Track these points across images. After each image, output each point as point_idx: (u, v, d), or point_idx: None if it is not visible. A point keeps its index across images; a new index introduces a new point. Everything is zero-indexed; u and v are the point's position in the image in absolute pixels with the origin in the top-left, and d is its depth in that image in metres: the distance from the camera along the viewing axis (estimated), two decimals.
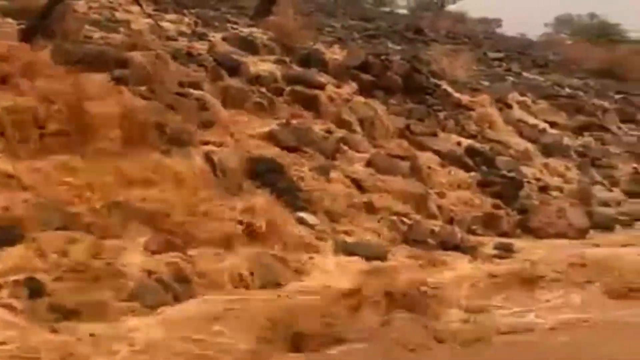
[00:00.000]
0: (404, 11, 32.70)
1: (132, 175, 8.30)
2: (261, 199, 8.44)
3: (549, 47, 32.01)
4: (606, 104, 21.62)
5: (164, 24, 13.89)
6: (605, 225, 12.42)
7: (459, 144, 13.58)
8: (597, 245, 10.64)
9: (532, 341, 6.48)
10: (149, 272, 6.88)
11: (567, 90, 21.50)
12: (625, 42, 36.59)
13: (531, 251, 9.95)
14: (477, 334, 6.48)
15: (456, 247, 9.57)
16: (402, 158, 11.87)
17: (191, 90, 10.87)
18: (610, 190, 14.94)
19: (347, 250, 8.46)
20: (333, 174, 10.37)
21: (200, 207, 8.06)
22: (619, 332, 6.81)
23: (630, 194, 14.96)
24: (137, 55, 10.71)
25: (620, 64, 28.55)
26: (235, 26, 15.96)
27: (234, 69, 12.28)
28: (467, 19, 33.81)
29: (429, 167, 12.10)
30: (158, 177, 8.42)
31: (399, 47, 20.13)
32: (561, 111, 18.79)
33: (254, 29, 15.43)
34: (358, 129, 12.53)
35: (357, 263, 8.15)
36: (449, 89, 16.09)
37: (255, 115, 11.40)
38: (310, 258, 8.05)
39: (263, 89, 12.14)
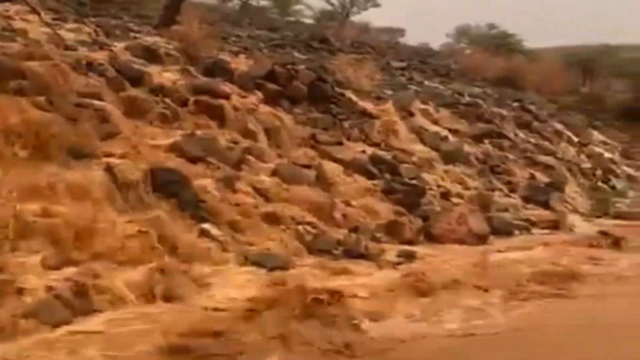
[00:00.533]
0: (309, 21, 32.76)
1: (31, 189, 8.04)
2: (163, 211, 8.30)
3: (450, 56, 32.66)
4: (504, 111, 22.21)
5: (64, 33, 13.46)
6: (504, 231, 12.73)
7: (363, 152, 13.68)
8: (497, 251, 10.92)
9: (433, 347, 6.55)
10: (48, 289, 6.66)
11: (468, 98, 21.96)
12: (521, 51, 37.67)
13: (433, 258, 10.10)
14: (381, 344, 6.50)
15: (361, 256, 9.61)
16: (308, 167, 11.90)
17: (92, 101, 10.54)
18: (509, 196, 15.32)
19: (252, 261, 8.40)
20: (238, 185, 10.28)
21: (101, 221, 7.86)
22: (519, 337, 6.94)
23: (528, 200, 15.40)
24: (35, 66, 10.36)
25: (516, 72, 29.45)
26: (138, 35, 15.65)
27: (137, 79, 12.03)
28: (371, 29, 34.17)
29: (334, 176, 12.13)
30: (57, 191, 8.18)
31: (304, 57, 20.16)
32: (462, 119, 19.16)
33: (157, 38, 15.17)
34: (264, 138, 12.48)
35: (261, 274, 8.10)
36: (354, 98, 16.22)
37: (159, 126, 11.20)
38: (214, 270, 7.95)
39: (167, 100, 11.92)
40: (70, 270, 7.00)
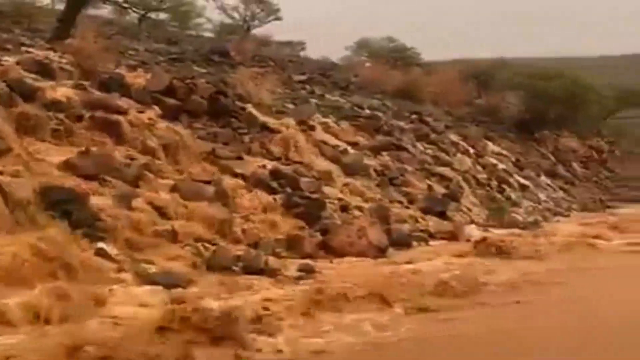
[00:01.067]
0: (210, 34, 32.56)
1: None
2: (55, 230, 8.07)
3: (350, 69, 33.04)
4: (403, 124, 22.60)
5: None
6: (403, 243, 12.94)
7: (264, 166, 13.67)
8: (396, 263, 11.09)
9: None
10: None
11: (367, 111, 22.22)
12: (419, 64, 38.46)
13: (333, 271, 10.18)
14: None
15: (261, 271, 9.58)
16: (208, 183, 11.81)
17: None
18: (408, 208, 15.59)
19: (149, 279, 8.25)
20: (135, 202, 10.10)
21: None
22: (421, 349, 7.06)
23: (426, 211, 15.71)
24: None
25: (415, 85, 30.02)
26: (30, 49, 15.23)
27: (29, 95, 11.68)
28: (272, 42, 34.23)
29: (234, 191, 12.08)
30: None
31: (204, 71, 20.03)
32: (361, 131, 19.41)
33: (51, 53, 14.81)
34: (162, 154, 12.32)
35: (159, 292, 7.97)
36: (255, 112, 16.19)
37: (53, 143, 10.94)
38: (111, 290, 7.78)
39: (61, 115, 11.65)
40: None
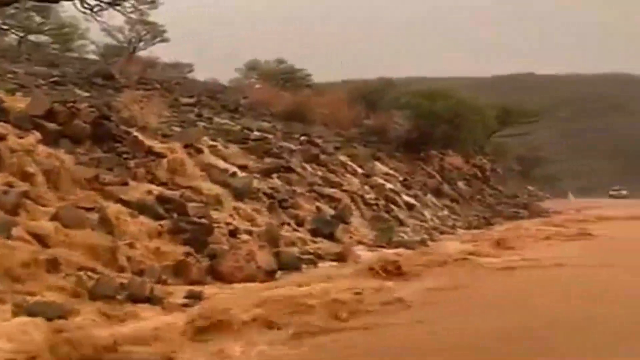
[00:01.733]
0: (94, 57, 31.92)
1: None
2: None
3: (239, 91, 33.06)
4: (292, 145, 22.81)
5: None
6: (292, 266, 12.99)
7: (150, 192, 13.46)
8: (284, 286, 11.11)
9: None
10: None
11: (257, 133, 22.33)
12: (308, 85, 38.90)
13: (221, 297, 10.11)
14: None
15: (146, 299, 9.42)
16: (91, 210, 11.55)
17: None
18: (297, 230, 15.70)
19: (28, 311, 7.99)
20: (14, 232, 9.78)
21: None
22: None
23: (315, 233, 15.85)
24: None
25: (304, 106, 30.33)
26: None
27: None
28: (159, 64, 33.89)
29: (119, 218, 11.86)
30: None
31: (87, 94, 19.65)
32: (251, 154, 19.46)
33: None
34: (43, 181, 11.93)
35: (40, 324, 7.74)
36: (140, 136, 15.98)
37: None
38: None
39: None
40: None
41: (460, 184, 35.02)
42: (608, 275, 13.33)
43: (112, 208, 11.97)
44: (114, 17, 20.97)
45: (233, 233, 13.54)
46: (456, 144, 36.76)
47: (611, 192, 68.41)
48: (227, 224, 13.93)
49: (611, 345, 7.84)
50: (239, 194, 15.92)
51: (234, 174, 16.99)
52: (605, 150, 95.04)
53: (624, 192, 68.41)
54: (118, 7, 19.12)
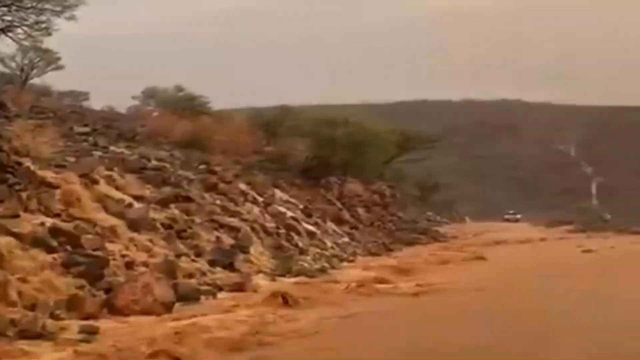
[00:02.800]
0: None
1: None
2: None
3: (136, 119, 32.67)
4: (191, 174, 22.67)
5: None
6: (191, 297, 12.93)
7: (42, 224, 13.13)
8: (181, 319, 11.05)
9: None
10: None
11: (154, 162, 22.07)
12: (208, 113, 38.71)
13: (117, 331, 9.99)
14: None
15: (39, 335, 9.24)
16: None
17: None
18: (195, 261, 15.61)
19: None
20: None
21: None
22: None
23: (214, 263, 15.82)
24: None
25: (203, 134, 30.18)
26: None
27: None
28: (53, 92, 33.16)
29: (10, 251, 11.53)
30: None
31: None
32: (148, 184, 19.21)
33: None
34: None
35: None
36: (33, 167, 15.55)
37: None
38: None
39: None
40: None
41: (360, 210, 35.51)
42: (490, 300, 13.82)
43: (2, 241, 11.64)
44: (6, 45, 20.36)
45: (129, 265, 13.36)
46: (356, 170, 37.30)
47: (506, 216, 70.57)
48: (123, 256, 13.72)
49: None
50: (135, 225, 15.68)
51: (130, 205, 16.73)
52: (499, 175, 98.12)
53: (518, 216, 70.75)
54: (9, 34, 18.59)
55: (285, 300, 12.82)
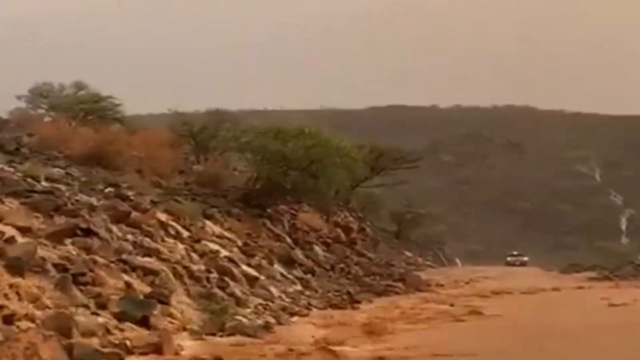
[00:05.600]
0: None
1: None
2: None
3: (23, 126, 32.42)
4: (94, 200, 22.52)
5: None
6: None
7: None
8: None
9: None
10: None
11: (45, 183, 21.92)
12: (119, 119, 38.62)
13: None
14: None
15: None
16: None
17: None
18: (97, 314, 15.43)
19: None
20: None
21: None
22: None
23: (122, 317, 15.65)
24: None
25: (112, 147, 30.03)
26: None
27: None
28: None
29: None
30: None
31: None
32: (36, 212, 19.02)
33: None
34: None
35: None
36: None
37: None
38: None
39: None
40: None
41: (318, 249, 35.51)
42: None
43: None
44: None
45: (9, 319, 13.18)
46: (313, 196, 37.31)
47: (509, 259, 71.17)
48: (1, 307, 13.55)
49: None
50: (18, 266, 15.47)
51: (11, 239, 16.54)
52: (499, 205, 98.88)
53: (525, 259, 71.38)
54: None
55: None
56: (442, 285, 39.20)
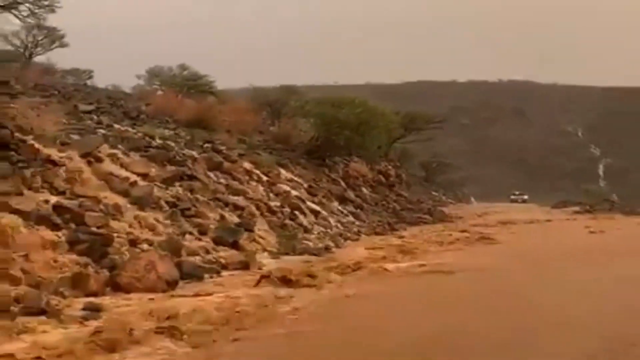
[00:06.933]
0: None
1: None
2: None
3: (141, 98, 32.55)
4: (195, 153, 22.59)
5: None
6: (195, 275, 12.92)
7: (46, 202, 13.10)
8: (185, 296, 11.04)
9: None
10: None
11: (158, 141, 21.96)
12: (212, 92, 38.64)
13: (120, 309, 9.97)
14: None
15: (42, 312, 9.21)
16: None
17: None
18: (199, 239, 15.57)
19: None
20: None
21: None
22: None
23: (218, 241, 15.78)
24: None
25: (208, 114, 30.08)
26: None
27: None
28: (56, 70, 33.01)
29: (13, 229, 11.50)
30: None
31: None
32: (152, 162, 19.12)
33: None
34: None
35: None
36: (37, 145, 15.47)
37: None
38: None
39: None
40: None
41: (365, 190, 35.42)
42: (488, 282, 13.73)
43: (6, 219, 11.61)
44: (10, 21, 20.26)
45: (133, 243, 13.34)
46: (361, 150, 37.16)
47: (512, 197, 70.38)
48: (127, 233, 13.70)
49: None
50: (140, 203, 15.64)
51: (134, 183, 16.67)
52: (506, 157, 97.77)
53: (525, 197, 70.54)
54: (13, 11, 18.52)
55: (287, 279, 12.77)
56: (460, 218, 38.92)
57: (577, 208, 48.18)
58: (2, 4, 18.55)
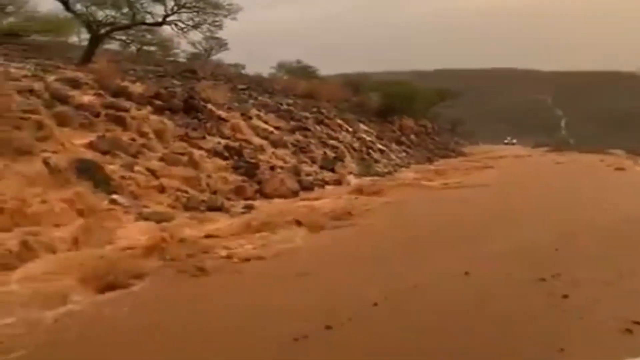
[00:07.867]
0: (183, 60, 31.23)
1: None
2: (82, 188, 7.68)
3: (273, 81, 32.37)
4: (307, 114, 22.39)
5: (12, 70, 12.05)
6: (309, 187, 12.92)
7: (219, 143, 13.25)
8: (304, 200, 11.05)
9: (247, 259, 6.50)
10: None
11: (285, 106, 21.88)
12: (316, 77, 38.13)
13: (265, 207, 10.06)
14: (230, 265, 6.41)
15: (218, 209, 9.41)
16: (183, 154, 11.42)
17: (32, 115, 9.53)
18: (311, 166, 15.52)
19: (146, 217, 7.98)
20: (136, 168, 9.71)
21: (39, 196, 7.16)
22: (314, 251, 7.03)
23: (322, 168, 15.70)
24: None
25: (314, 90, 29.71)
26: (65, 71, 14.23)
27: (64, 100, 10.99)
28: (223, 64, 33.19)
29: (201, 158, 11.71)
30: (7, 177, 7.37)
31: (180, 83, 19.15)
32: (281, 119, 19.06)
33: (79, 73, 13.89)
34: (153, 137, 11.77)
35: (152, 225, 7.72)
36: (213, 109, 15.66)
37: (80, 131, 10.33)
38: (119, 225, 7.47)
39: (86, 113, 11.01)
40: (18, 230, 6.35)
41: (412, 137, 34.47)
42: (490, 191, 13.28)
43: (196, 153, 11.81)
44: (195, 34, 20.47)
45: (272, 168, 13.37)
46: (409, 112, 36.22)
47: (505, 141, 67.58)
48: (268, 162, 13.75)
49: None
50: (275, 144, 15.69)
51: (271, 132, 16.71)
52: (500, 116, 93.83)
53: (514, 141, 67.72)
54: (198, 29, 18.69)
55: (364, 191, 12.63)
56: (472, 154, 37.74)
57: (547, 148, 45.98)
58: (191, 25, 18.59)
